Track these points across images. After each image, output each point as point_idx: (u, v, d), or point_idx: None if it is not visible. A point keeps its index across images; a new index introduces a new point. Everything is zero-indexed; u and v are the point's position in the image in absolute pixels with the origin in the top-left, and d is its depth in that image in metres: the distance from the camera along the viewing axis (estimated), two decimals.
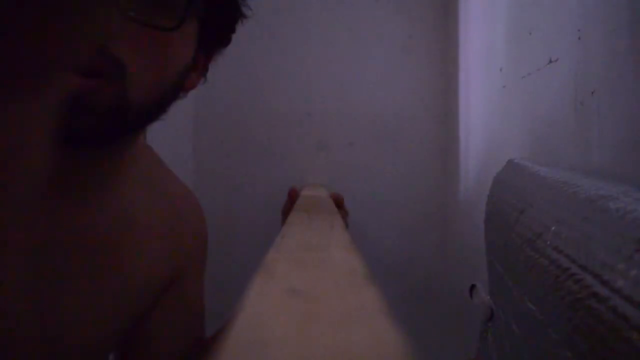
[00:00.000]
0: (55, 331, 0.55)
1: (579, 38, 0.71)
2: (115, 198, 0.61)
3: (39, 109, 0.36)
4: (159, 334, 0.72)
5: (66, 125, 0.45)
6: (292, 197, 1.17)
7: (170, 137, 1.37)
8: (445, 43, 1.72)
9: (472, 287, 1.16)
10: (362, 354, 0.17)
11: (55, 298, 0.55)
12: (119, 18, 0.45)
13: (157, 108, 0.56)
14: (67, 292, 0.56)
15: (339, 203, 1.13)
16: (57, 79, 0.39)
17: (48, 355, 0.55)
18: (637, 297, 0.35)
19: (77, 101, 0.45)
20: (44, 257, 0.53)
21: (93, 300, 0.59)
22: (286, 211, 1.13)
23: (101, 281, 0.59)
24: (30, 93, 0.34)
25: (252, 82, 1.73)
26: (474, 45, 1.40)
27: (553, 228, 0.55)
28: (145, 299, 0.67)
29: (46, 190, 0.51)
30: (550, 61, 0.81)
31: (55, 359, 0.56)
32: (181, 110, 1.55)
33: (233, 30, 0.65)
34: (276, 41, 1.74)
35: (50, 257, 0.54)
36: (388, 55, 1.74)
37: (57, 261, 0.55)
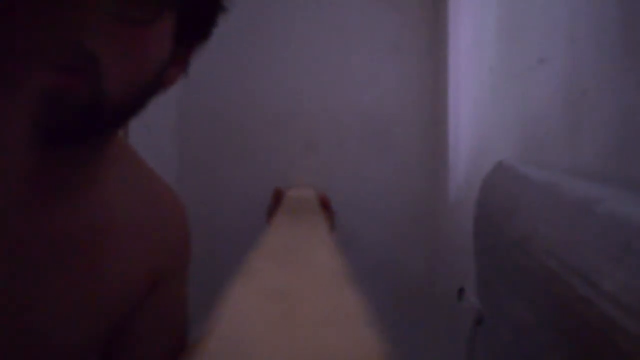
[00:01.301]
0: (32, 336, 0.55)
1: (570, 37, 0.71)
2: (94, 198, 0.60)
3: (13, 106, 0.36)
4: (141, 336, 0.71)
5: (41, 122, 0.45)
6: (277, 197, 1.17)
7: (152, 136, 1.37)
8: (434, 42, 1.72)
9: (461, 290, 1.17)
10: (340, 354, 0.17)
11: (30, 301, 0.54)
12: (93, 12, 0.45)
13: (134, 103, 0.55)
14: (43, 295, 0.55)
15: (325, 204, 1.13)
16: (31, 76, 0.39)
17: (29, 357, 0.55)
18: (624, 300, 0.35)
19: (52, 97, 0.45)
20: (18, 259, 0.53)
21: (71, 303, 0.58)
22: (271, 212, 1.13)
23: (79, 284, 0.59)
24: (4, 90, 0.34)
25: (238, 81, 1.73)
26: (463, 44, 1.41)
27: (542, 230, 0.55)
28: (126, 301, 0.66)
29: (21, 190, 0.51)
30: (541, 61, 0.81)
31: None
32: (164, 108, 1.54)
33: (213, 24, 0.65)
34: (264, 39, 1.73)
35: (25, 260, 0.53)
36: (377, 54, 1.75)
37: (32, 264, 0.54)
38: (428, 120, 1.74)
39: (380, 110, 1.75)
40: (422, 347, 1.62)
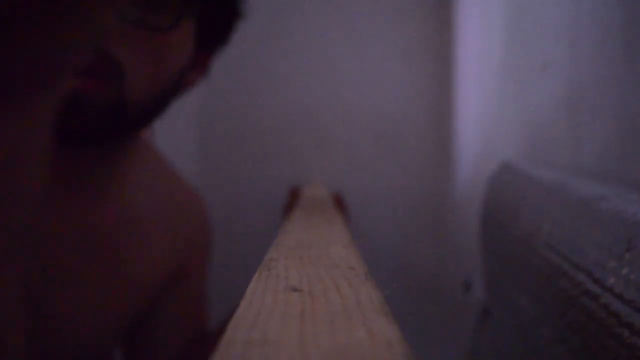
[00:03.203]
0: (60, 323, 0.55)
1: (572, 43, 0.71)
2: (118, 196, 0.60)
3: (37, 110, 0.36)
4: (162, 328, 0.71)
5: (65, 125, 0.45)
6: (293, 195, 1.16)
7: (174, 136, 1.37)
8: (442, 46, 1.71)
9: (467, 284, 1.16)
10: (360, 352, 0.17)
11: (57, 295, 0.55)
12: (115, 19, 0.45)
13: (155, 107, 0.56)
14: (69, 289, 0.56)
15: (339, 202, 1.12)
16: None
17: (54, 350, 0.55)
18: (628, 295, 0.35)
19: (76, 101, 0.45)
20: (47, 254, 0.53)
21: (96, 296, 0.58)
22: (287, 209, 1.13)
23: (103, 278, 0.59)
24: (28, 94, 0.34)
25: (255, 83, 1.73)
26: (470, 49, 1.40)
27: (546, 227, 0.54)
28: (148, 294, 0.66)
29: (47, 190, 0.51)
30: (544, 65, 0.80)
31: (61, 353, 0.56)
32: (186, 110, 1.55)
33: (231, 30, 0.65)
34: (278, 42, 1.73)
35: (52, 256, 0.54)
36: (386, 57, 1.74)
37: (59, 259, 0.54)
38: (436, 121, 1.73)
39: (390, 111, 1.74)
40: (429, 340, 1.61)
